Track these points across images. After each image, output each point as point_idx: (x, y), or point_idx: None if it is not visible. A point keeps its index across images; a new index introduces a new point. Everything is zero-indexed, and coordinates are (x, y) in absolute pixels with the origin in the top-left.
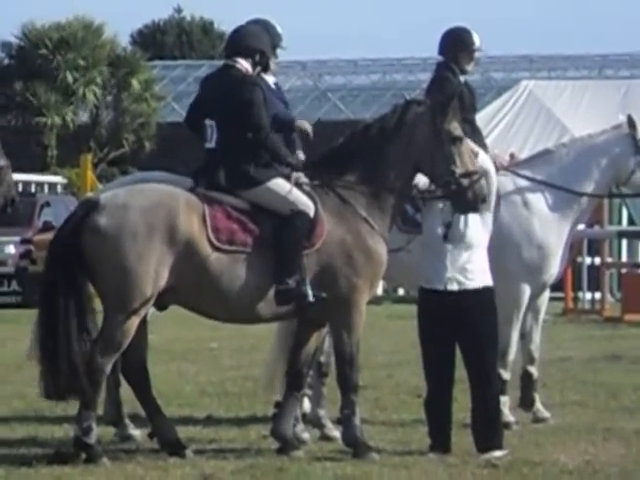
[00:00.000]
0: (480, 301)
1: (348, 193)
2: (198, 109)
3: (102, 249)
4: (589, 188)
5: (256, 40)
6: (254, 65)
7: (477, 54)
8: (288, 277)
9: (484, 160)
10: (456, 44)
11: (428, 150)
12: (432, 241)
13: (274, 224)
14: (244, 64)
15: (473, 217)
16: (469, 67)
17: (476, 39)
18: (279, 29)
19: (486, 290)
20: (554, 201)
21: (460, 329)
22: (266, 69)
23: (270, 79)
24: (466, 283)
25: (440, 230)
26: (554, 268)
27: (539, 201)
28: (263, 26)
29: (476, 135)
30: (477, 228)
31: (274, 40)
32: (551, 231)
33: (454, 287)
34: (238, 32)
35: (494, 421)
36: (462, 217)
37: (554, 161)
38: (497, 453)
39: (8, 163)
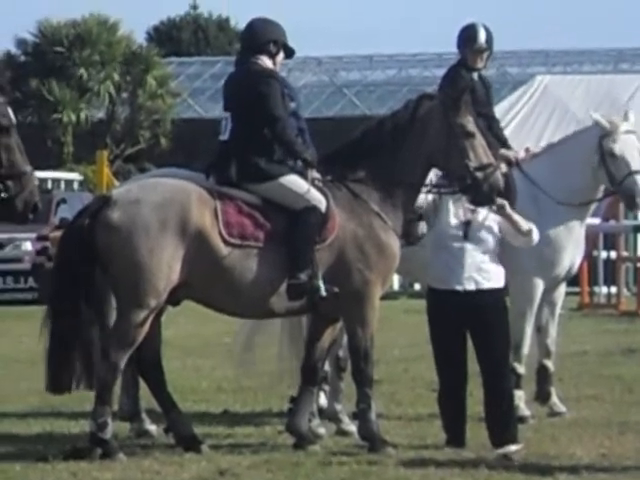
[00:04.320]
0: (494, 300)
1: (360, 188)
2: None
3: (115, 244)
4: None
5: (269, 32)
6: (272, 57)
7: (485, 52)
8: (300, 272)
9: None
10: (461, 41)
11: (441, 144)
12: (446, 240)
13: (286, 219)
14: (265, 60)
15: (489, 219)
16: (476, 64)
17: (481, 37)
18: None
19: (499, 290)
20: (563, 195)
21: (473, 327)
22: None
23: None
24: (483, 283)
25: (457, 229)
26: (566, 261)
27: (548, 195)
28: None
29: (495, 128)
30: (492, 230)
31: (282, 36)
32: (561, 225)
33: (471, 287)
34: (251, 27)
35: (508, 415)
36: (480, 217)
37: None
38: (512, 447)
39: (32, 169)
